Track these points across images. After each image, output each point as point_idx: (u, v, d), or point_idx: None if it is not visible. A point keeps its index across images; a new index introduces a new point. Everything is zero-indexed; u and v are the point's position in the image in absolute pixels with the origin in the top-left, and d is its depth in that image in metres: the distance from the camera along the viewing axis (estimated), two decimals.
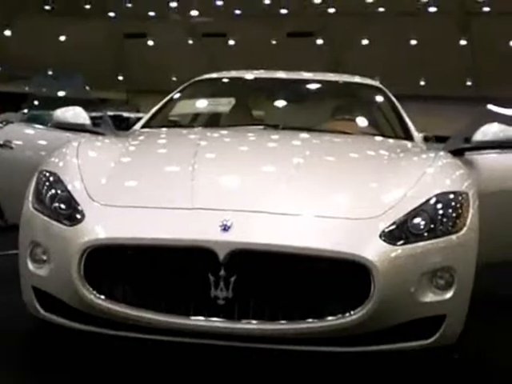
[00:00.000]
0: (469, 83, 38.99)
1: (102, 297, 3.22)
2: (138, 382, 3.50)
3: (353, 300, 3.15)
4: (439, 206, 3.44)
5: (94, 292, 3.22)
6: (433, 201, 3.45)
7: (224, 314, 3.16)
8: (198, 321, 3.17)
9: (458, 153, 4.46)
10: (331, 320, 3.14)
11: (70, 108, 4.86)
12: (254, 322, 3.16)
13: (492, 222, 3.87)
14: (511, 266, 5.08)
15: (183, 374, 3.55)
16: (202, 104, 5.71)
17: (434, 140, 6.04)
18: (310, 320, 3.16)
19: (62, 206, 3.46)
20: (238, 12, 38.88)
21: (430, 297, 3.29)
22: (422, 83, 39.43)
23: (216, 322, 3.16)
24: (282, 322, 3.16)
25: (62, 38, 40.90)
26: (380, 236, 3.25)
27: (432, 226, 3.36)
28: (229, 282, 3.11)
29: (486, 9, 35.12)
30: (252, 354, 3.38)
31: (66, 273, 3.24)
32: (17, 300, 3.64)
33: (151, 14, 39.77)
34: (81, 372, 3.54)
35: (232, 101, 5.45)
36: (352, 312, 3.14)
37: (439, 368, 3.78)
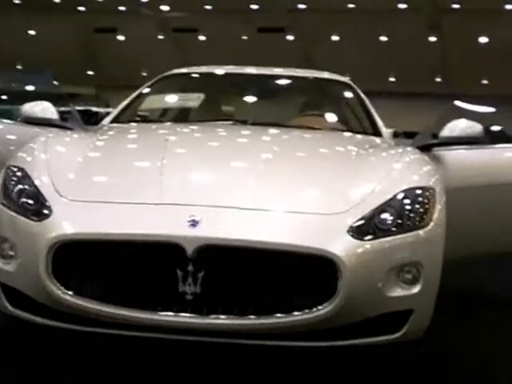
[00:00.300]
0: (438, 80, 39.24)
1: (70, 292, 3.21)
2: (109, 376, 3.49)
3: (320, 295, 3.16)
4: (406, 201, 3.46)
5: (62, 288, 3.20)
6: (400, 196, 3.47)
7: (192, 310, 3.15)
8: (167, 316, 3.16)
9: (425, 148, 4.48)
10: (299, 315, 3.15)
11: (38, 103, 4.82)
12: (223, 317, 3.16)
13: (459, 218, 3.90)
14: (483, 262, 5.14)
15: (157, 371, 3.55)
16: (171, 99, 5.70)
17: (404, 136, 6.07)
18: (278, 315, 3.16)
19: (30, 201, 3.44)
20: (209, 7, 38.79)
21: (397, 291, 3.31)
22: (392, 79, 39.63)
23: (184, 318, 3.16)
24: (251, 317, 3.16)
25: (32, 33, 40.61)
26: (348, 231, 3.26)
27: (399, 221, 3.38)
28: (197, 278, 3.11)
29: (456, 6, 35.35)
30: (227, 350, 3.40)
31: (33, 268, 3.22)
32: None
33: (122, 8, 39.58)
34: (50, 368, 3.53)
35: (201, 96, 5.45)
36: (319, 307, 3.15)
37: (405, 362, 3.82)
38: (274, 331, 3.20)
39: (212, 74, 5.85)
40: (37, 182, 3.51)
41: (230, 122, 4.90)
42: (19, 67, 38.74)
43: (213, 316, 3.16)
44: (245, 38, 38.73)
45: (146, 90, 5.47)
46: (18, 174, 3.60)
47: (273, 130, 4.64)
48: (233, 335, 3.23)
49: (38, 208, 3.39)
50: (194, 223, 3.18)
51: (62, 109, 6.61)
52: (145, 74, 33.19)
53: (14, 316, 3.46)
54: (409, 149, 4.17)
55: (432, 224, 3.45)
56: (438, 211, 3.52)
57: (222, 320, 3.17)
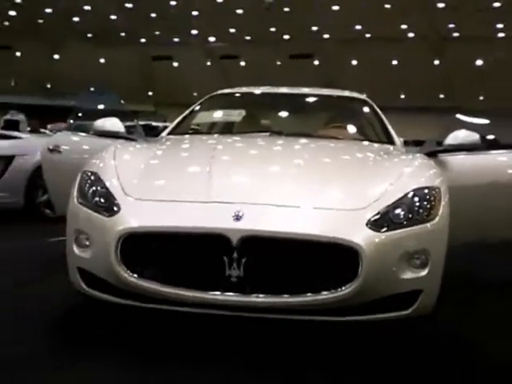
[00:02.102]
0: (442, 96, 38.95)
1: (135, 275, 3.24)
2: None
3: (344, 277, 3.16)
4: (416, 199, 3.44)
5: (128, 271, 3.24)
6: (410, 194, 3.45)
7: (237, 290, 3.17)
8: (215, 295, 3.18)
9: (432, 154, 4.45)
10: (326, 294, 3.15)
11: (108, 118, 4.87)
12: (262, 295, 3.17)
13: (461, 212, 3.86)
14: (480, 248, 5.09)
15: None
16: (218, 115, 5.71)
17: (413, 144, 6.01)
18: (309, 294, 3.16)
19: (102, 200, 3.48)
20: (248, 38, 38.93)
21: (408, 274, 3.29)
22: (403, 96, 39.46)
23: (230, 296, 3.17)
24: (286, 295, 3.17)
25: (102, 61, 41.07)
26: (366, 224, 3.25)
27: (410, 215, 3.36)
28: (240, 263, 3.13)
29: (456, 34, 35.17)
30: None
31: (105, 255, 3.26)
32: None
33: (176, 39, 39.87)
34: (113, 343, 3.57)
35: (243, 112, 5.45)
36: (343, 288, 3.14)
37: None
38: (304, 308, 3.20)
39: (251, 94, 5.85)
40: (107, 184, 3.55)
41: (268, 134, 4.87)
42: (92, 89, 39.12)
43: (253, 295, 3.17)
44: (278, 63, 38.78)
45: (197, 107, 5.49)
46: (92, 177, 3.64)
47: (303, 140, 4.63)
48: (270, 311, 3.23)
49: (108, 206, 3.42)
50: (238, 218, 3.19)
51: (128, 123, 6.66)
52: (195, 94, 33.36)
53: (89, 295, 3.50)
54: (418, 155, 4.15)
55: (438, 218, 3.42)
56: (442, 207, 3.49)
57: (261, 298, 3.17)
